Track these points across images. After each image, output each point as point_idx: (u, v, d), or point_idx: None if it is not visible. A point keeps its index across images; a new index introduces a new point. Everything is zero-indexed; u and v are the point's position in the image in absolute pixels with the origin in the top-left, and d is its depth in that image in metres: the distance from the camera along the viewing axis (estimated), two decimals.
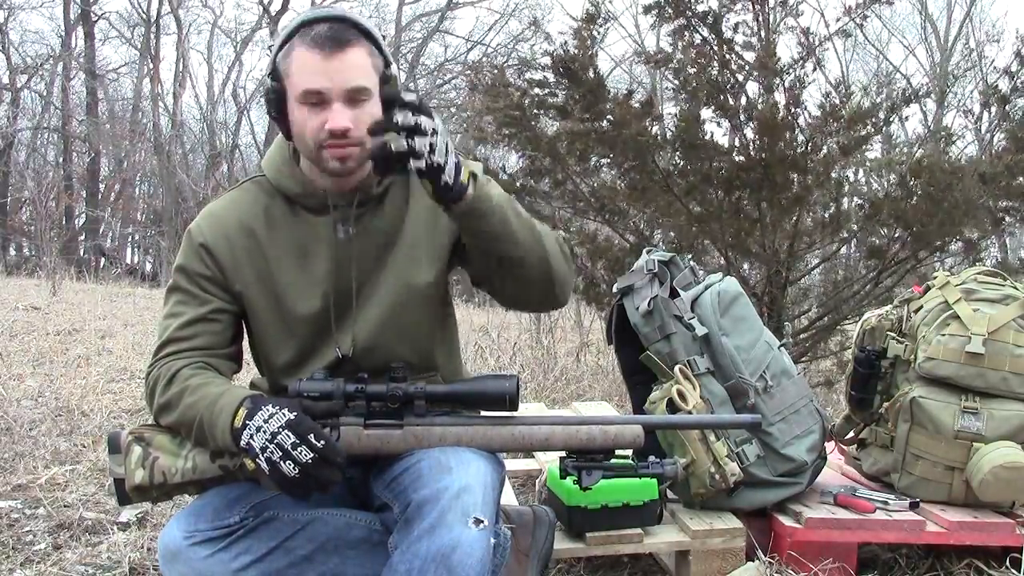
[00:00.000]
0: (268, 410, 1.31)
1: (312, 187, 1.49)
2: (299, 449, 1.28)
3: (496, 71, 3.93)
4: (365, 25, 1.41)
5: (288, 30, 1.41)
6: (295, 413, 1.31)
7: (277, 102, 1.42)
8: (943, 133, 4.07)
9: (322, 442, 1.29)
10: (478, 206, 1.32)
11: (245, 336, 1.57)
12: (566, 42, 3.54)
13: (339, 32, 1.37)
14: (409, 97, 1.22)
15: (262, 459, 1.29)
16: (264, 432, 1.29)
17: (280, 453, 1.28)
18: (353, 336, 1.49)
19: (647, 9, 3.55)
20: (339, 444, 1.35)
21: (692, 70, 3.46)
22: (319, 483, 1.30)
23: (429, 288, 1.51)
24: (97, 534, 2.18)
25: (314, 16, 1.39)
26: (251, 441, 1.30)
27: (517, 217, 1.38)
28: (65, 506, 2.36)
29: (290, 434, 1.28)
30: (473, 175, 1.32)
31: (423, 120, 1.22)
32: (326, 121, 1.37)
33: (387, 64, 1.44)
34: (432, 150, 1.22)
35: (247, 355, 1.58)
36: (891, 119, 3.47)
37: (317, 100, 1.37)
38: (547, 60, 3.58)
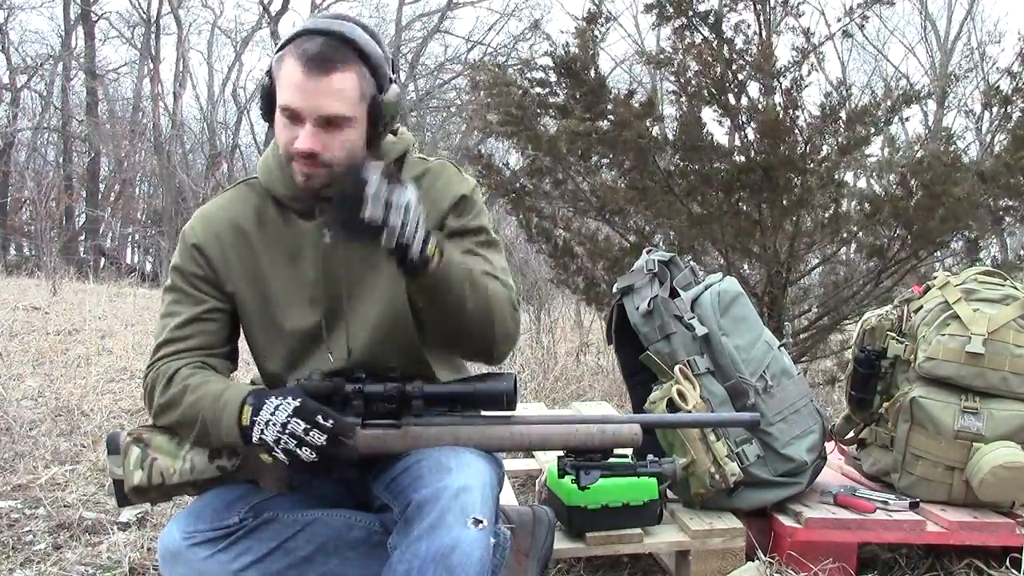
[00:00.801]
0: (273, 402, 1.32)
1: (301, 191, 1.46)
2: (311, 433, 1.29)
3: (497, 70, 3.93)
4: (361, 44, 1.35)
5: (290, 34, 1.39)
6: (299, 399, 1.32)
7: (268, 103, 1.41)
8: (944, 134, 4.07)
9: (331, 421, 1.30)
10: (435, 283, 1.31)
11: (242, 336, 1.57)
12: (567, 42, 3.54)
13: (329, 53, 1.32)
14: (391, 170, 1.20)
15: (279, 451, 1.30)
16: (274, 424, 1.30)
17: (294, 442, 1.29)
18: (348, 346, 1.49)
19: (648, 8, 3.55)
20: (348, 418, 1.35)
21: (695, 68, 3.45)
22: (338, 461, 1.32)
23: None
24: (97, 534, 2.18)
25: (314, 28, 1.35)
26: (263, 436, 1.31)
27: (472, 290, 1.35)
28: (65, 506, 2.36)
29: (299, 420, 1.30)
30: (440, 251, 1.28)
31: (400, 195, 1.19)
32: (296, 138, 1.35)
33: (380, 88, 1.38)
34: (403, 227, 1.19)
35: (246, 354, 1.58)
36: (891, 119, 3.47)
37: (292, 116, 1.35)
38: (548, 60, 3.58)
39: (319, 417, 1.30)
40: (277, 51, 1.40)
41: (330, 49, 1.32)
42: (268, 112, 1.42)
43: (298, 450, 1.29)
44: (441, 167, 1.54)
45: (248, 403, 1.34)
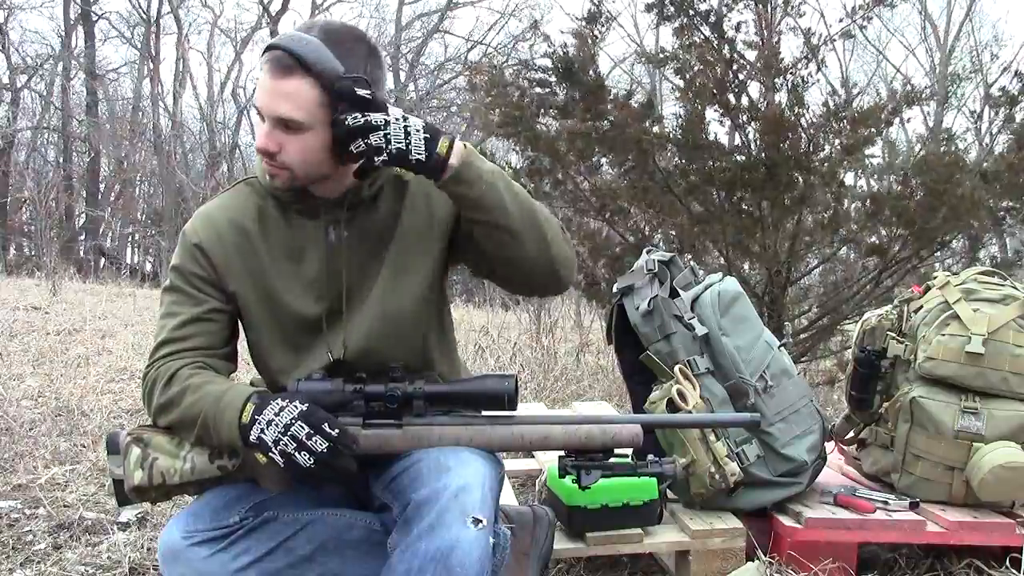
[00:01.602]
0: (278, 404, 1.32)
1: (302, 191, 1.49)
2: (314, 439, 1.29)
3: (495, 70, 3.93)
4: (314, 63, 1.33)
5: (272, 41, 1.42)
6: (307, 404, 1.31)
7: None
8: (945, 134, 4.08)
9: (336, 430, 1.30)
10: (464, 173, 1.35)
11: (242, 336, 1.57)
12: (566, 43, 3.54)
13: (282, 60, 1.34)
14: (360, 94, 1.31)
15: (276, 452, 1.30)
16: (276, 425, 1.30)
17: (295, 445, 1.29)
18: (344, 340, 1.49)
19: (649, 7, 3.55)
20: (352, 432, 1.35)
21: (697, 67, 3.45)
22: (336, 472, 1.31)
23: (424, 287, 1.51)
24: (97, 534, 2.18)
25: (275, 44, 1.37)
26: (262, 435, 1.30)
27: (509, 190, 1.39)
28: (65, 506, 2.36)
29: (304, 425, 1.29)
30: (451, 145, 1.34)
31: (373, 116, 1.31)
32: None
33: (337, 107, 1.34)
34: (388, 141, 1.31)
35: (246, 355, 1.58)
36: (892, 120, 3.47)
37: (259, 114, 1.39)
38: (547, 61, 3.58)
39: (325, 425, 1.30)
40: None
41: (283, 59, 1.35)
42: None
43: (296, 454, 1.29)
44: None
45: (251, 402, 1.34)
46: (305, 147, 1.38)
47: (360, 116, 1.31)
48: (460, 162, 1.35)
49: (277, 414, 1.31)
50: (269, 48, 1.38)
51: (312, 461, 1.29)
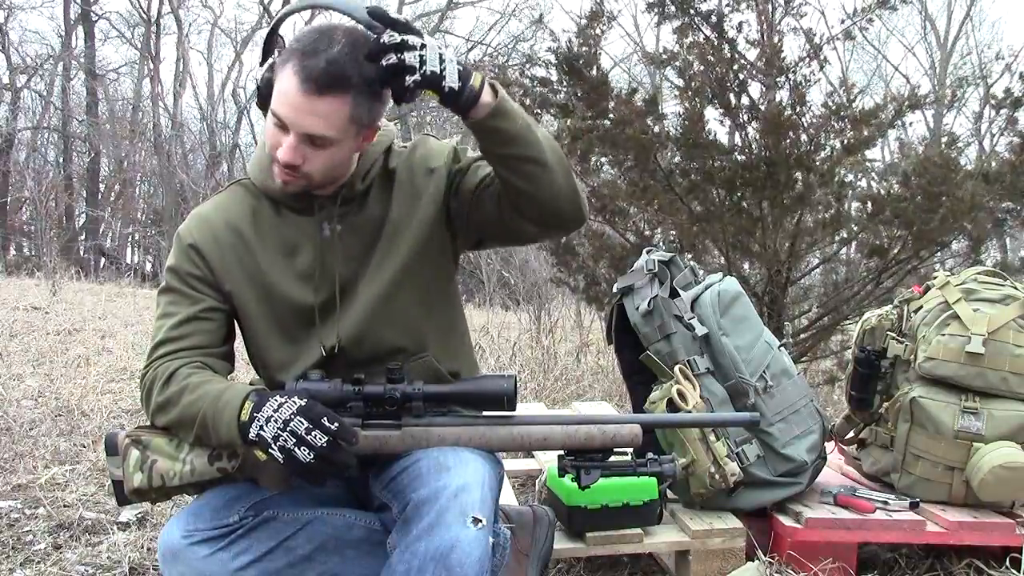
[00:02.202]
0: (277, 400, 1.31)
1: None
2: (313, 434, 1.28)
3: (497, 70, 3.93)
4: (357, 81, 1.33)
5: (299, 38, 1.36)
6: (305, 400, 1.31)
7: (265, 96, 1.41)
8: (946, 136, 4.08)
9: (335, 424, 1.29)
10: (501, 106, 1.34)
11: (239, 336, 1.57)
12: (570, 39, 3.53)
13: (325, 79, 1.31)
14: (393, 16, 1.29)
15: (275, 448, 1.29)
16: (275, 421, 1.29)
17: (294, 440, 1.28)
18: (338, 330, 1.49)
19: (650, 7, 3.55)
20: (351, 425, 1.34)
21: (698, 67, 3.45)
22: (335, 467, 1.30)
23: (415, 267, 1.50)
24: (97, 534, 2.18)
25: (319, 49, 1.32)
26: (261, 432, 1.30)
27: (537, 126, 1.39)
28: (65, 506, 2.36)
29: (303, 420, 1.29)
30: (483, 81, 1.33)
31: (408, 37, 1.27)
32: (281, 145, 1.37)
33: (372, 110, 1.38)
34: (423, 61, 1.27)
35: (246, 354, 1.58)
36: (895, 123, 3.47)
37: (280, 125, 1.37)
38: (551, 57, 3.58)
39: (324, 419, 1.29)
40: (287, 51, 1.37)
41: (327, 75, 1.32)
42: (264, 104, 1.42)
43: (296, 449, 1.28)
44: (422, 139, 1.58)
45: (250, 399, 1.34)
46: (331, 159, 1.40)
47: (397, 35, 1.27)
48: (498, 98, 1.34)
49: (276, 410, 1.30)
50: (300, 55, 1.32)
51: (312, 456, 1.28)
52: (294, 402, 1.31)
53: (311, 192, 1.47)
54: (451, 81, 1.29)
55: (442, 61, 1.29)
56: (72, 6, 19.23)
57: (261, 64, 1.42)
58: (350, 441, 1.31)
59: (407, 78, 1.28)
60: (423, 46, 1.28)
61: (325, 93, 1.32)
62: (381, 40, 1.28)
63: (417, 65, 1.27)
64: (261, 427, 1.30)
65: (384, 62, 1.28)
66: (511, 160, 1.38)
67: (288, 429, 1.29)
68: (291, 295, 1.49)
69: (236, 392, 1.37)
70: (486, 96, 1.33)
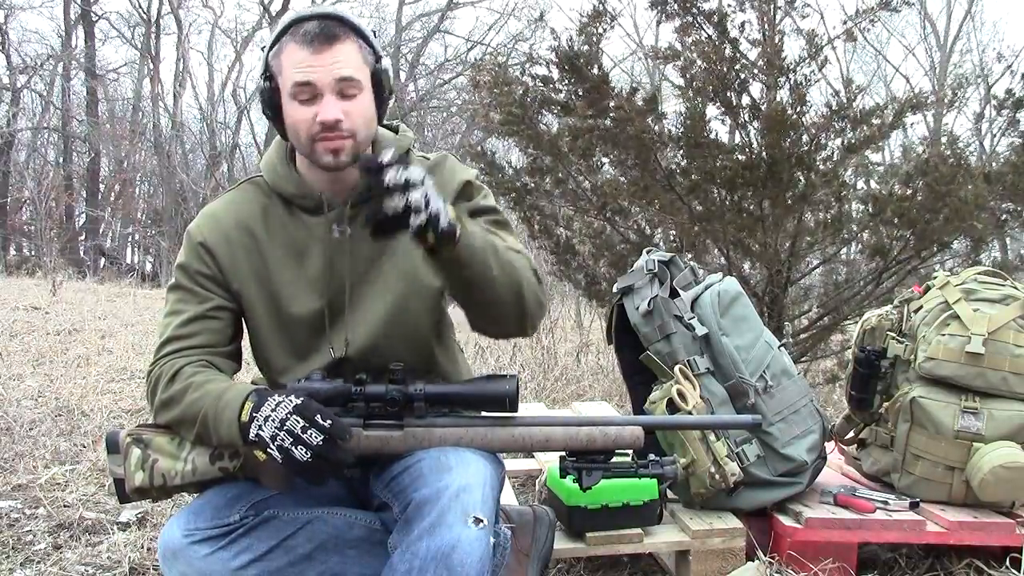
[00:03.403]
0: (275, 399, 1.31)
1: (307, 188, 1.50)
2: (309, 432, 1.28)
3: (498, 69, 3.93)
4: (354, 21, 1.43)
5: (279, 29, 1.43)
6: (301, 398, 1.31)
7: (271, 100, 1.44)
8: (948, 136, 4.08)
9: (329, 421, 1.29)
10: (462, 255, 1.29)
11: (245, 335, 1.57)
12: (571, 37, 3.53)
13: (328, 28, 1.39)
14: (389, 156, 1.18)
15: (273, 448, 1.29)
16: (273, 421, 1.29)
17: (291, 439, 1.28)
18: (347, 337, 1.49)
19: (652, 5, 3.55)
20: (349, 421, 1.35)
21: (700, 65, 3.45)
22: (332, 464, 1.30)
23: (429, 286, 1.51)
24: (97, 534, 2.18)
25: (305, 15, 1.41)
26: (260, 432, 1.30)
27: (496, 257, 1.35)
28: (65, 506, 2.36)
29: (298, 419, 1.29)
30: (460, 219, 1.27)
31: (411, 173, 1.18)
32: (317, 114, 1.39)
33: (378, 59, 1.46)
34: (428, 201, 1.18)
35: (247, 354, 1.59)
36: (897, 125, 3.47)
37: (308, 94, 1.39)
38: (552, 56, 3.58)
39: (318, 417, 1.29)
40: (270, 46, 1.44)
41: (328, 25, 1.40)
42: (273, 111, 1.45)
43: (293, 448, 1.28)
44: (442, 159, 1.58)
45: (250, 399, 1.34)
46: (365, 108, 1.43)
47: (399, 171, 1.17)
48: (464, 236, 1.28)
49: (273, 409, 1.30)
50: (296, 22, 1.40)
51: (308, 455, 1.28)
52: (290, 401, 1.31)
53: (319, 192, 1.47)
54: (443, 224, 1.20)
55: (440, 203, 1.20)
56: (72, 6, 19.23)
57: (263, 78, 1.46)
58: (345, 438, 1.31)
59: (412, 219, 1.18)
60: (423, 181, 1.18)
61: (333, 42, 1.39)
62: (384, 182, 1.16)
63: (423, 204, 1.18)
64: (260, 427, 1.30)
65: (389, 209, 1.17)
66: (459, 281, 1.37)
67: (285, 428, 1.29)
68: (299, 305, 1.49)
69: (237, 392, 1.37)
70: (458, 232, 1.25)
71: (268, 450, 1.30)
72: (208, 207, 1.58)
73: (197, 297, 1.49)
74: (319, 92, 1.38)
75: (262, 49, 1.47)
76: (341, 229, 1.49)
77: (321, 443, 1.28)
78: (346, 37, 1.40)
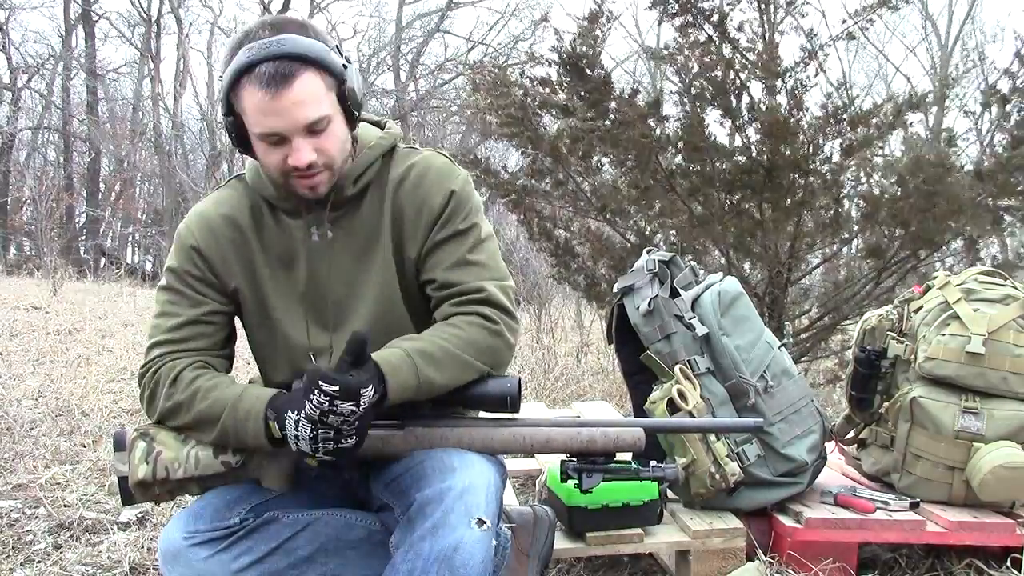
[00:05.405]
0: (292, 417, 1.28)
1: (285, 191, 1.46)
2: (336, 420, 1.26)
3: (498, 70, 3.93)
4: (306, 52, 1.33)
5: (233, 68, 1.34)
6: (299, 412, 1.28)
7: (238, 136, 1.40)
8: (945, 135, 4.07)
9: (337, 386, 1.25)
10: (401, 396, 1.34)
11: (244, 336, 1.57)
12: (574, 38, 3.53)
13: (282, 68, 1.31)
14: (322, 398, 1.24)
15: (322, 453, 1.30)
16: (303, 438, 1.28)
17: (331, 440, 1.28)
18: (331, 343, 1.48)
19: (653, 4, 3.55)
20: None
21: (696, 68, 3.45)
22: (358, 434, 1.30)
23: (413, 285, 1.49)
24: (97, 534, 2.18)
25: (256, 58, 1.32)
26: (301, 448, 1.30)
27: (439, 373, 1.36)
28: (65, 506, 2.36)
29: (321, 417, 1.26)
30: (385, 394, 1.31)
31: (324, 433, 1.26)
32: (288, 156, 1.36)
33: (341, 80, 1.37)
34: (341, 439, 1.27)
35: (247, 355, 1.58)
36: (896, 124, 3.46)
37: (276, 139, 1.35)
38: (554, 56, 3.58)
39: (326, 396, 1.25)
40: (227, 84, 1.36)
41: (282, 66, 1.31)
42: (244, 144, 1.41)
43: (340, 443, 1.28)
44: (428, 160, 1.51)
45: (270, 419, 1.33)
46: (336, 136, 1.38)
47: (326, 396, 1.24)
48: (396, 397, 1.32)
49: (296, 427, 1.28)
50: (248, 69, 1.31)
51: (355, 439, 1.29)
52: (308, 404, 1.25)
53: (298, 194, 1.44)
54: (364, 432, 1.30)
55: (356, 421, 1.26)
56: (72, 6, 19.25)
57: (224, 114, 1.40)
58: (359, 392, 1.26)
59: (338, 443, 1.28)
60: (338, 432, 1.27)
61: (290, 81, 1.31)
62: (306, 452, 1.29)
63: (349, 442, 1.28)
64: (297, 443, 1.29)
65: (313, 463, 1.32)
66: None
67: (320, 438, 1.27)
68: (282, 309, 1.48)
69: (253, 404, 1.35)
70: (391, 396, 1.32)
71: (318, 457, 1.30)
72: (196, 207, 1.56)
73: (190, 300, 1.48)
74: (287, 138, 1.35)
75: (220, 78, 1.40)
76: (321, 232, 1.47)
77: (354, 421, 1.27)
78: (303, 71, 1.32)
